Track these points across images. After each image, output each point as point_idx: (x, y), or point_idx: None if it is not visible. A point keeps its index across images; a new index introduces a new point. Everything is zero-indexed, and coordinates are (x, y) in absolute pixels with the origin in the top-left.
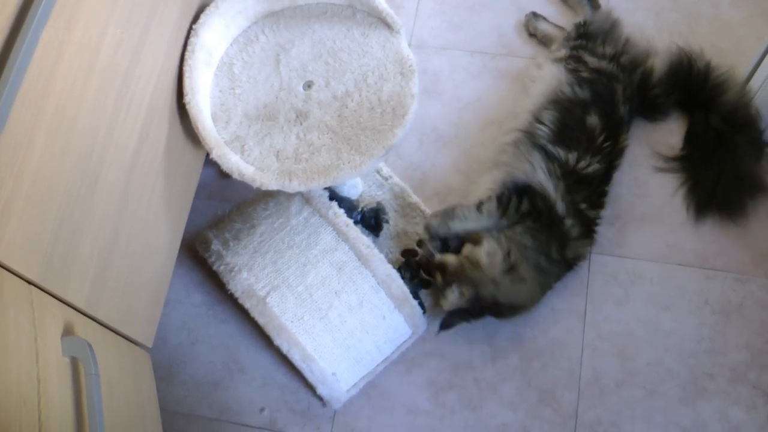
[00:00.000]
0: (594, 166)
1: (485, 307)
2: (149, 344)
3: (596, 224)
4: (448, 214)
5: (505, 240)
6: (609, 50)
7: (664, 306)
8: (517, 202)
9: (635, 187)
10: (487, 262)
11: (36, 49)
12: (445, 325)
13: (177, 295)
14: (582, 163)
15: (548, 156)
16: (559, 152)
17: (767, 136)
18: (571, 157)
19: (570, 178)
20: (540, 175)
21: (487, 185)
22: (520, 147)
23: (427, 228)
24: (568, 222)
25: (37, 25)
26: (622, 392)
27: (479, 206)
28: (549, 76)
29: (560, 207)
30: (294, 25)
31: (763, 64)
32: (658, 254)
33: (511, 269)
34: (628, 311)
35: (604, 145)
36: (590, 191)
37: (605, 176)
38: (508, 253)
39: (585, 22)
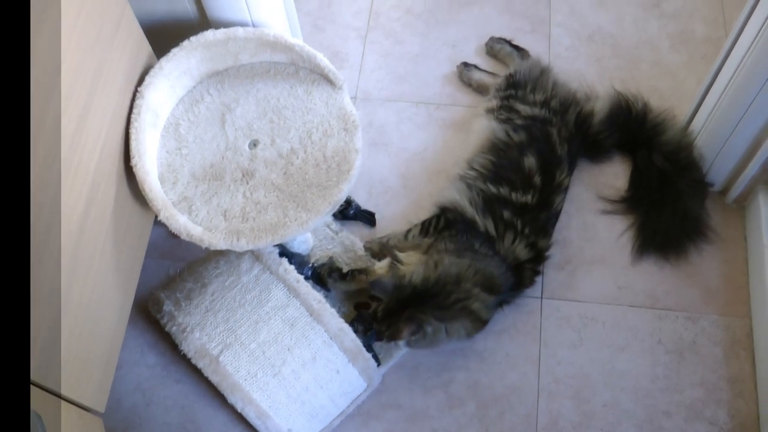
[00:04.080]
0: (527, 197)
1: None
2: (101, 409)
3: (533, 241)
4: (382, 242)
5: (428, 252)
6: (539, 97)
7: (617, 347)
8: (436, 221)
9: (584, 232)
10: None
11: None
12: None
13: (131, 357)
14: (514, 195)
15: (471, 186)
16: (489, 187)
17: (709, 178)
18: (503, 190)
19: (493, 199)
20: (453, 194)
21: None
22: (455, 185)
23: (367, 249)
24: (480, 221)
25: None
26: None
27: (406, 234)
28: (483, 125)
29: (470, 211)
30: (238, 84)
31: (703, 105)
32: (609, 296)
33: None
34: (582, 354)
35: (537, 179)
36: (526, 217)
37: (542, 206)
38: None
39: (515, 73)
